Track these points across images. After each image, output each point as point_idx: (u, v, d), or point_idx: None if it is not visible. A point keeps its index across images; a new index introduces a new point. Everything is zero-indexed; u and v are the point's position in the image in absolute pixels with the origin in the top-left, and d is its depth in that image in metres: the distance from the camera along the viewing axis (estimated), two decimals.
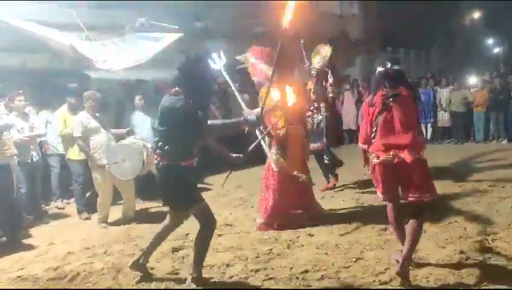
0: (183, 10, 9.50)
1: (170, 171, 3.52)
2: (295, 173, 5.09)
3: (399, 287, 3.41)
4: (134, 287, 3.72)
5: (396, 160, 3.49)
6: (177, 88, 3.47)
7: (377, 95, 3.68)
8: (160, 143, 3.53)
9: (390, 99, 3.54)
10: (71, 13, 7.08)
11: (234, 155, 3.93)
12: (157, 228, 3.93)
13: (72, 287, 3.82)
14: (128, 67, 6.77)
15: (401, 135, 3.51)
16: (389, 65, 3.84)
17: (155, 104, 7.78)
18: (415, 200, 3.52)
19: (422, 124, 12.00)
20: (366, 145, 3.78)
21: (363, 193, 6.38)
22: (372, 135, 3.67)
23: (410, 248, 3.45)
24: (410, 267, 3.52)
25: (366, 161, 3.86)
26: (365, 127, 3.79)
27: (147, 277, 3.79)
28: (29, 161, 5.89)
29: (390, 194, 3.66)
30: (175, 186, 3.56)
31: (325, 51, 6.31)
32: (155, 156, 3.63)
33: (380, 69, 3.85)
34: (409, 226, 3.54)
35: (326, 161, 6.31)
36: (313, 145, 6.27)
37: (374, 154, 3.64)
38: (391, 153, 3.50)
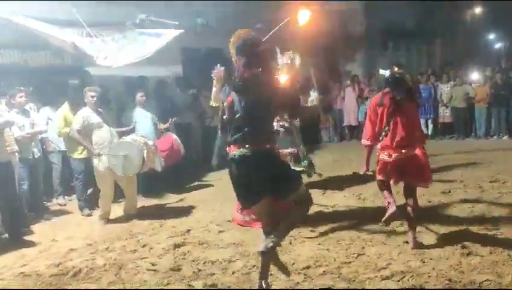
0: (183, 7, 9.48)
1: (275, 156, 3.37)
2: None
3: (400, 283, 3.43)
4: (136, 283, 3.73)
5: (405, 156, 4.00)
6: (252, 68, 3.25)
7: (385, 96, 4.09)
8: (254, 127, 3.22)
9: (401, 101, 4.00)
10: (72, 10, 7.08)
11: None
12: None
13: (74, 283, 3.83)
14: (129, 64, 6.76)
15: (410, 134, 4.02)
16: (395, 68, 4.18)
17: (156, 100, 7.84)
18: (418, 185, 4.13)
19: (423, 119, 12.02)
20: (371, 142, 4.30)
21: (364, 189, 6.38)
22: (384, 133, 4.06)
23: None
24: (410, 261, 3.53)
25: (368, 160, 4.21)
26: (373, 125, 4.19)
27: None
28: (30, 158, 5.89)
29: (387, 177, 4.18)
30: (283, 170, 3.30)
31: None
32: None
33: (383, 72, 4.18)
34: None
35: (302, 167, 5.95)
36: (285, 150, 5.98)
37: (385, 153, 4.07)
38: (403, 151, 3.99)
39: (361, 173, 5.67)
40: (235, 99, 3.29)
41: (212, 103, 5.51)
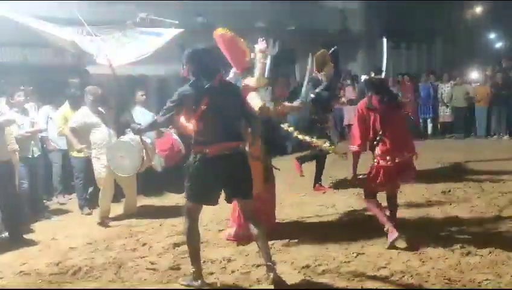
0: (184, 5, 9.48)
1: (241, 155, 3.49)
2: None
3: (399, 282, 3.43)
4: (136, 282, 3.73)
5: (399, 161, 4.04)
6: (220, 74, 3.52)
7: (372, 99, 4.05)
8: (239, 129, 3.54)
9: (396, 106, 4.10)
10: (72, 9, 7.07)
11: None
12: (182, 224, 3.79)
13: (74, 282, 3.83)
14: (129, 62, 6.75)
15: (405, 140, 4.09)
16: (372, 74, 4.20)
17: (157, 99, 7.83)
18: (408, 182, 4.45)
19: (422, 119, 12.04)
20: (359, 149, 4.11)
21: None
22: (378, 138, 4.02)
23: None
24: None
25: (355, 167, 4.21)
26: (363, 130, 4.05)
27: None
28: (30, 157, 5.89)
29: (381, 187, 4.20)
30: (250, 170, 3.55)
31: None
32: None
33: (364, 77, 4.20)
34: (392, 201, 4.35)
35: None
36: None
37: (388, 157, 4.03)
38: (396, 158, 4.01)
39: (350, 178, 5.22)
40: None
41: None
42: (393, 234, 4.02)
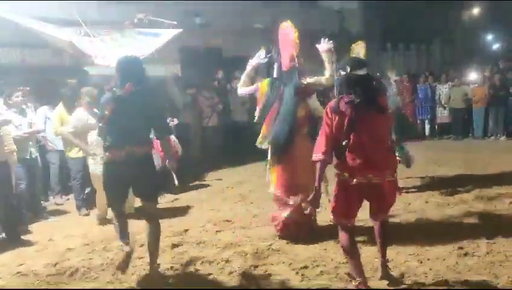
0: (182, 6, 9.48)
1: (144, 159, 3.68)
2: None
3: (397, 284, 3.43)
4: (133, 283, 3.73)
5: (371, 182, 3.09)
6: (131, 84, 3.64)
7: (341, 101, 3.12)
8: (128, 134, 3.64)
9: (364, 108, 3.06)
10: (70, 9, 7.06)
11: None
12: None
13: (71, 283, 3.82)
14: None
15: (375, 153, 3.09)
16: (348, 70, 3.12)
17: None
18: (383, 220, 3.38)
19: (420, 120, 12.06)
20: (323, 158, 3.13)
21: None
22: (342, 149, 3.11)
23: (385, 253, 3.43)
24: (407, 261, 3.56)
25: (320, 180, 3.18)
26: (327, 137, 3.14)
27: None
28: (27, 158, 5.88)
29: (352, 218, 3.24)
30: (154, 174, 3.82)
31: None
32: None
33: (342, 72, 3.21)
34: (381, 235, 3.43)
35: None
36: None
37: (345, 174, 3.12)
38: (367, 175, 3.07)
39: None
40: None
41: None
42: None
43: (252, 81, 4.98)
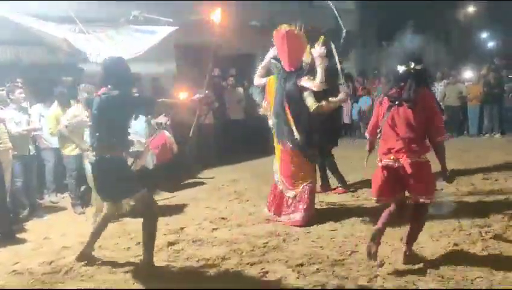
0: (177, 3, 9.44)
1: (108, 162, 3.75)
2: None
3: (393, 280, 3.45)
4: (129, 281, 3.72)
5: (397, 164, 3.50)
6: (108, 86, 3.75)
7: (386, 94, 3.67)
8: (99, 137, 3.76)
9: (396, 102, 3.53)
10: (65, 6, 7.02)
11: None
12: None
13: (67, 281, 3.81)
14: None
15: (403, 139, 3.49)
16: (412, 65, 3.52)
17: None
18: (417, 202, 3.57)
19: None
20: (370, 137, 3.83)
21: (358, 186, 6.41)
22: (378, 135, 3.67)
23: (413, 240, 3.72)
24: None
25: (371, 148, 3.89)
26: (372, 122, 3.81)
27: (93, 262, 4.06)
28: (25, 155, 5.85)
29: (385, 195, 3.65)
30: (114, 176, 3.80)
31: None
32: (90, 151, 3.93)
33: (401, 68, 3.58)
34: (414, 225, 3.70)
35: None
36: None
37: (378, 157, 3.63)
38: (392, 157, 3.51)
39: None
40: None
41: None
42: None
43: (268, 73, 5.28)
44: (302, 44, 4.93)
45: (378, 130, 3.66)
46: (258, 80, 5.33)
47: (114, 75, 3.75)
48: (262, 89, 5.33)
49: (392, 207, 3.67)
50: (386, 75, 3.83)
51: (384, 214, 3.65)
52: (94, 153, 3.79)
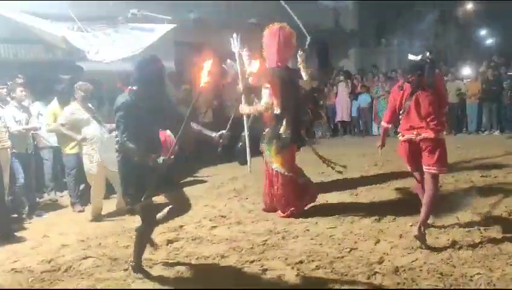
0: (176, 1, 9.42)
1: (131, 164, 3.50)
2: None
3: (392, 277, 3.45)
4: (129, 279, 3.71)
5: (418, 138, 4.05)
6: (132, 87, 3.49)
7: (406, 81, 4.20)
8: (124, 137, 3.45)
9: (419, 87, 4.08)
10: (63, 4, 7.01)
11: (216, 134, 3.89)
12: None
13: (66, 279, 3.81)
14: (121, 58, 6.71)
15: (425, 118, 4.04)
16: (427, 54, 4.18)
17: None
18: (432, 172, 4.08)
19: None
20: (388, 125, 4.43)
21: (357, 184, 6.41)
22: (400, 116, 4.20)
23: (426, 213, 4.08)
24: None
25: (383, 142, 4.51)
26: (391, 108, 4.33)
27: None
28: (24, 153, 5.85)
29: (414, 166, 4.25)
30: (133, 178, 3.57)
31: None
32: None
33: (413, 57, 4.15)
34: (425, 195, 4.13)
35: None
36: None
37: (400, 133, 4.22)
38: (414, 132, 4.06)
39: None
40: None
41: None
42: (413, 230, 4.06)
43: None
44: (292, 42, 5.21)
45: (399, 114, 4.22)
46: (246, 109, 5.62)
47: (145, 75, 3.48)
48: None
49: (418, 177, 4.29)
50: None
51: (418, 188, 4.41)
52: (119, 154, 3.53)
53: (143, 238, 3.77)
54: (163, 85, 3.70)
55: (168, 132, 6.91)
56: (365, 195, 5.79)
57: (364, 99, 12.19)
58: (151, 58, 3.58)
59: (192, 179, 7.77)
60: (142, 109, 3.43)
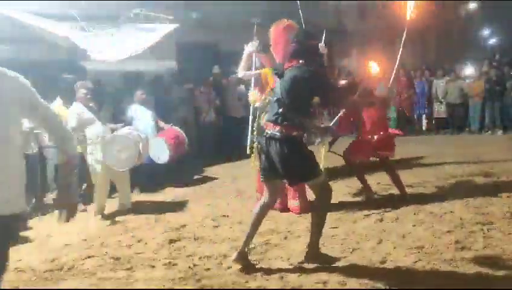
0: (178, 1, 9.43)
1: (293, 141, 3.58)
2: None
3: (395, 278, 3.45)
4: (131, 279, 3.72)
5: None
6: (301, 60, 3.68)
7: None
8: (285, 114, 3.55)
9: None
10: (65, 4, 7.01)
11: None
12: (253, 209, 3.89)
13: (69, 278, 3.81)
14: (123, 58, 6.72)
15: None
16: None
17: (154, 96, 7.82)
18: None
19: (416, 114, 12.10)
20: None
21: (359, 184, 6.39)
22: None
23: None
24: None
25: None
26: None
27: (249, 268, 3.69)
28: (29, 153, 5.85)
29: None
30: (298, 157, 3.58)
31: None
32: (274, 127, 3.59)
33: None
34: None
35: None
36: None
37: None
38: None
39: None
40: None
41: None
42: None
43: (249, 67, 5.41)
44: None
45: None
46: (243, 73, 5.45)
47: (306, 50, 3.74)
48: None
49: None
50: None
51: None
52: (277, 130, 3.54)
53: (324, 221, 3.76)
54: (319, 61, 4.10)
55: (177, 128, 7.03)
56: (367, 195, 5.77)
57: None
58: (311, 35, 4.00)
59: (194, 178, 7.78)
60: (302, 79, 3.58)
